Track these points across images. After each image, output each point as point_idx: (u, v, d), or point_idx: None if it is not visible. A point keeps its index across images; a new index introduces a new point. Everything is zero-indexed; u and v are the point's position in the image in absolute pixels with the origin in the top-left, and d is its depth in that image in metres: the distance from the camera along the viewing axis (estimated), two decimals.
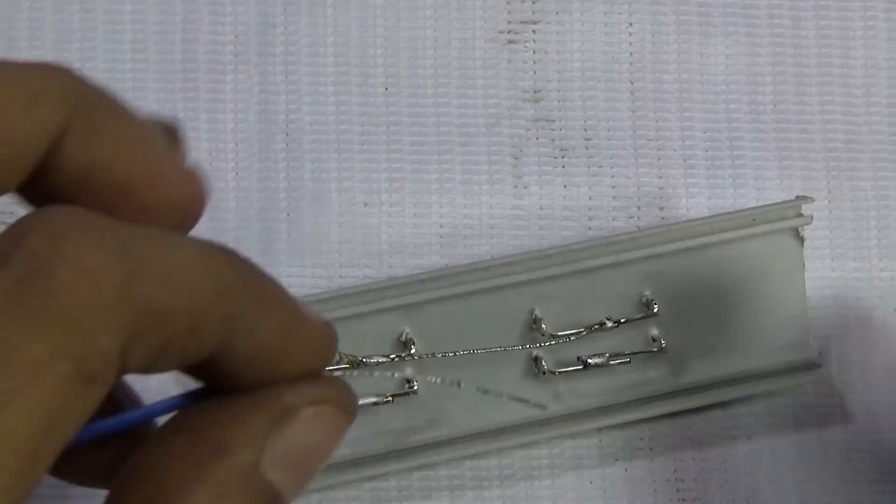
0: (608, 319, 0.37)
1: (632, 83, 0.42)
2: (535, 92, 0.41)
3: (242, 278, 0.23)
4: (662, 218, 0.41)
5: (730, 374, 0.39)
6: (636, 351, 0.38)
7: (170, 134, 0.26)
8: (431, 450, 0.37)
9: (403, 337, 0.37)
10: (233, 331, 0.22)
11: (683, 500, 0.40)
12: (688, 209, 0.41)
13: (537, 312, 0.38)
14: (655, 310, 0.38)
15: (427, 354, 0.36)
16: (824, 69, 0.42)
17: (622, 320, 0.37)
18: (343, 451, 0.37)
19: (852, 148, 0.42)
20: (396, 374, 0.36)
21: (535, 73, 0.41)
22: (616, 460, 0.40)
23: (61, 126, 0.23)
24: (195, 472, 0.22)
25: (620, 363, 0.37)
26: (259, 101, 0.41)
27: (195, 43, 0.41)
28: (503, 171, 0.41)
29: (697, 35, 0.42)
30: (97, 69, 0.40)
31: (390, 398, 0.36)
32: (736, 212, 0.38)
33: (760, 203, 0.41)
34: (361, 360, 0.34)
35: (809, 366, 0.39)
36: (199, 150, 0.40)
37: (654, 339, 0.38)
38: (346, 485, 0.38)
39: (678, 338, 0.38)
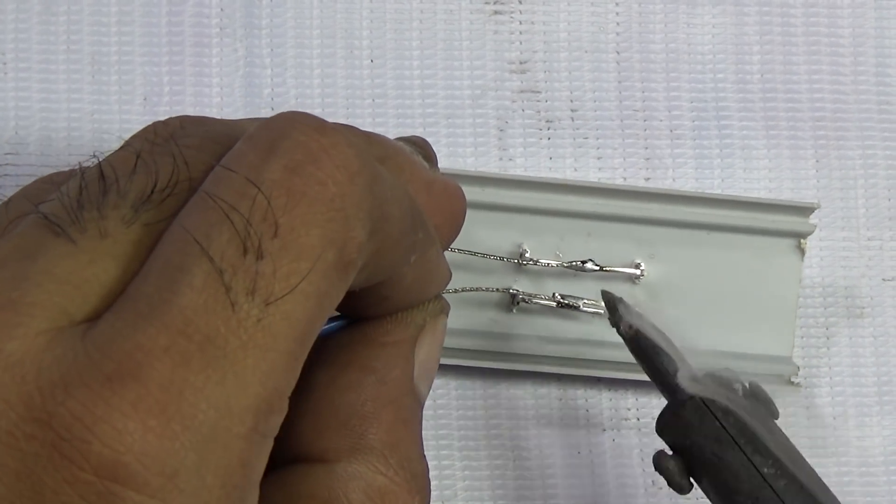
0: (592, 261, 0.38)
1: (618, 53, 0.42)
2: (520, 63, 0.41)
3: (419, 213, 0.25)
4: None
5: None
6: None
7: (424, 151, 0.29)
8: None
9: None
10: (407, 260, 0.25)
11: None
12: (674, 179, 0.41)
13: (525, 246, 0.38)
14: (641, 273, 0.38)
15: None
16: (812, 38, 0.42)
17: (605, 267, 0.38)
18: None
19: (840, 117, 0.42)
20: None
21: (521, 44, 0.41)
22: (603, 430, 0.40)
23: None
24: (375, 402, 0.24)
25: (593, 312, 0.38)
26: (244, 75, 0.40)
27: (181, 16, 0.41)
28: (488, 144, 0.41)
29: (685, 5, 0.42)
30: (83, 41, 0.40)
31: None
32: (747, 199, 0.38)
33: (748, 182, 0.41)
34: None
35: (785, 380, 0.39)
36: None
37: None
38: None
39: (658, 310, 0.38)
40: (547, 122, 0.41)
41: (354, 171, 0.21)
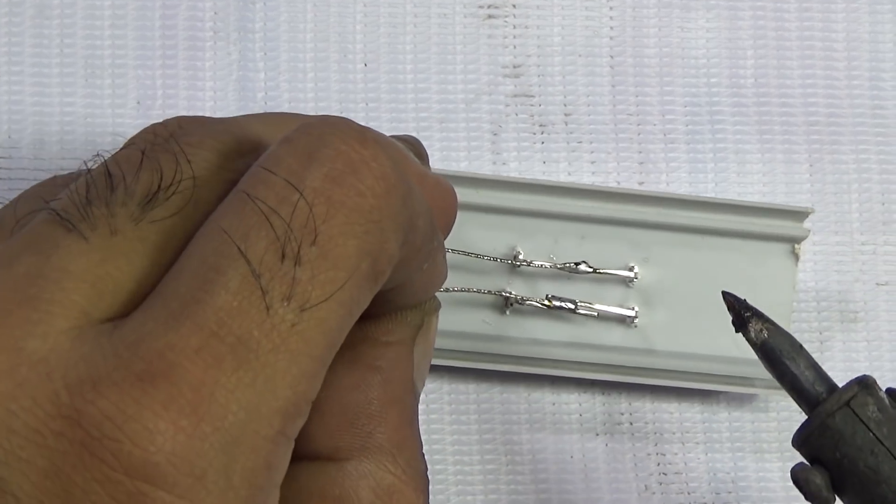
0: (585, 263, 0.38)
1: (612, 58, 0.41)
2: (514, 67, 0.41)
3: (434, 220, 0.25)
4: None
5: (692, 368, 0.39)
6: (606, 310, 0.38)
7: (415, 149, 0.29)
8: None
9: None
10: (422, 265, 0.25)
11: (664, 473, 0.40)
12: (668, 184, 0.41)
13: (519, 248, 0.38)
14: (635, 275, 0.38)
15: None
16: (805, 42, 0.42)
17: (599, 269, 0.38)
18: None
19: (833, 122, 0.42)
20: None
21: (514, 48, 0.41)
22: (596, 434, 0.40)
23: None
24: (381, 401, 0.25)
25: (587, 314, 0.38)
26: (238, 79, 0.40)
27: (174, 19, 0.40)
28: (482, 148, 0.41)
29: (678, 9, 0.42)
30: (76, 45, 0.40)
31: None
32: (742, 203, 0.38)
33: (742, 185, 0.41)
34: None
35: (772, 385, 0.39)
36: None
37: (629, 309, 0.38)
38: None
39: (651, 313, 0.38)
40: (540, 126, 0.41)
41: (392, 183, 0.22)
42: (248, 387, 0.20)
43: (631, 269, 0.38)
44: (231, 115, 0.40)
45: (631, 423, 0.40)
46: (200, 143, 0.23)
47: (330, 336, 0.21)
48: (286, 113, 0.26)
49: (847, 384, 0.28)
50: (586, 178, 0.41)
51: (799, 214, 0.39)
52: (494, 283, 0.38)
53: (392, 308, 0.26)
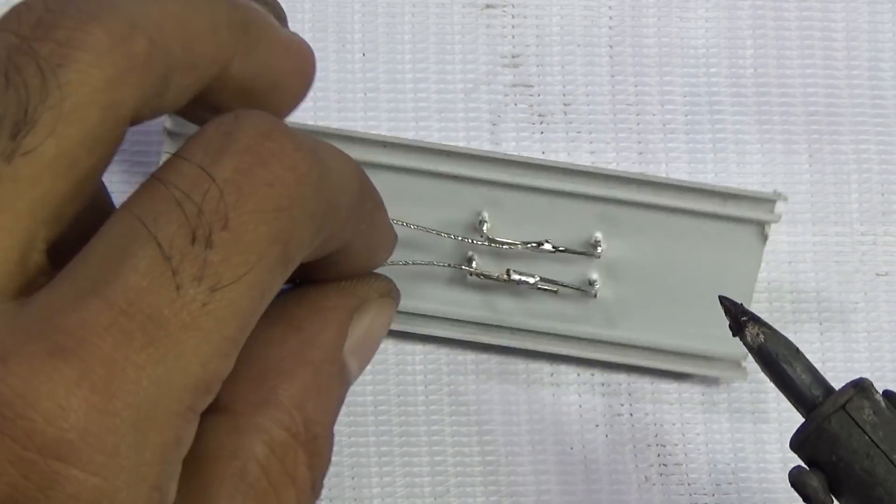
0: (548, 242, 0.37)
1: (611, 47, 0.41)
2: (513, 57, 0.41)
3: (367, 185, 0.26)
4: None
5: (652, 343, 0.39)
6: (567, 284, 0.38)
7: (275, 11, 0.29)
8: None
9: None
10: (357, 231, 0.26)
11: (664, 464, 0.40)
12: (667, 174, 0.41)
13: (484, 215, 0.38)
14: (599, 251, 0.38)
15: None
16: (805, 32, 0.42)
17: (561, 248, 0.38)
18: None
19: (833, 112, 0.42)
20: None
21: (513, 38, 0.41)
22: (596, 426, 0.40)
23: (235, 47, 0.25)
24: (295, 359, 0.25)
25: (547, 290, 0.38)
26: None
27: None
28: (480, 138, 0.41)
29: None
30: None
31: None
32: (710, 187, 0.38)
33: (741, 176, 0.41)
34: None
35: (734, 365, 0.39)
36: None
37: (590, 283, 0.38)
38: None
39: (614, 290, 0.38)
40: (539, 116, 0.41)
41: (302, 173, 0.22)
42: (158, 363, 0.20)
43: (595, 245, 0.38)
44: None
45: (631, 415, 0.40)
46: (70, 40, 0.21)
47: (241, 316, 0.21)
48: None
49: (843, 387, 0.29)
50: None
51: (768, 202, 0.38)
52: (456, 256, 0.38)
53: (338, 275, 0.27)
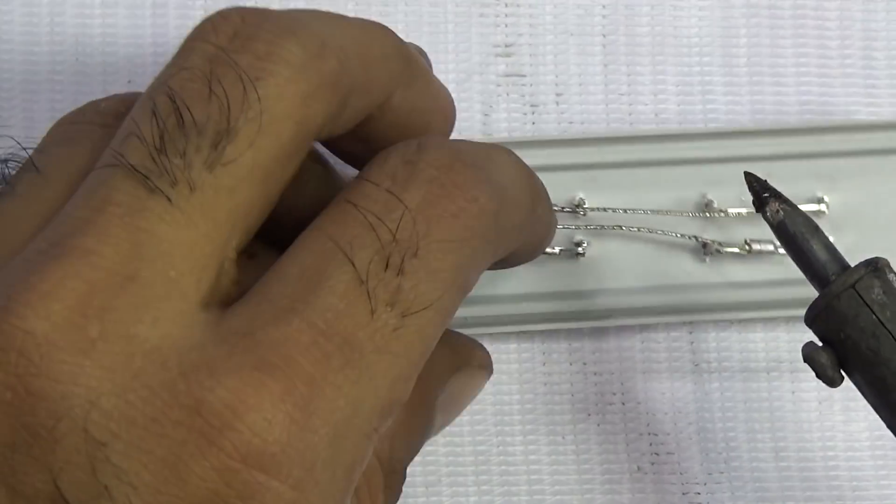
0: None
1: (604, 37, 0.41)
2: (506, 46, 0.41)
3: (537, 188, 0.27)
4: None
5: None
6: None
7: (426, 59, 0.31)
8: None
9: (576, 200, 0.38)
10: (525, 238, 0.27)
11: (656, 454, 0.40)
12: None
13: (709, 196, 0.38)
14: (825, 208, 0.38)
15: (599, 208, 0.38)
16: (798, 21, 0.42)
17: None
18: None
19: (826, 101, 0.41)
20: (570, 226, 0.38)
21: (506, 27, 0.41)
22: (588, 415, 0.40)
23: (400, 79, 0.26)
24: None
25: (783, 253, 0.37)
26: None
27: (165, 7, 0.40)
28: (472, 129, 0.41)
29: None
30: (66, 23, 0.40)
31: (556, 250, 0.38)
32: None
33: None
34: None
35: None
36: None
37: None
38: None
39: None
40: (532, 106, 0.41)
41: (482, 205, 0.23)
42: (353, 384, 0.20)
43: (819, 202, 0.38)
44: None
45: (623, 403, 0.40)
46: (268, 53, 0.22)
47: (426, 343, 0.22)
48: (351, 18, 0.26)
49: (855, 266, 0.29)
50: None
51: None
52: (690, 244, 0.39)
53: (499, 267, 0.28)
